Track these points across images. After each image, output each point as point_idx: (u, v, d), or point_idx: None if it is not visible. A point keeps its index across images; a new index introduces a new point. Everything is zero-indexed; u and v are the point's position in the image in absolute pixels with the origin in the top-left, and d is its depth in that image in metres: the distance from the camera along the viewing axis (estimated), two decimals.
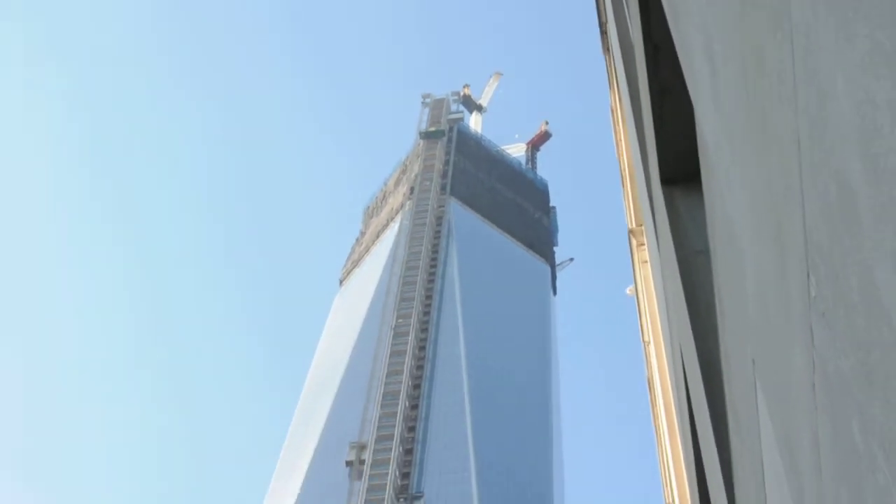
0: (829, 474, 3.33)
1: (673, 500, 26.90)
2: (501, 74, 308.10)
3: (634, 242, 30.47)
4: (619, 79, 23.03)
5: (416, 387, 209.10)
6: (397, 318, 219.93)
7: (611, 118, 33.70)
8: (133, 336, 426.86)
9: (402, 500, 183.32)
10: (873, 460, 2.68)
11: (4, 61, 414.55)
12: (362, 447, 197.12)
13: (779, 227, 3.66)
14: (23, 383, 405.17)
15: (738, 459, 6.78)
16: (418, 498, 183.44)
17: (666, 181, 11.90)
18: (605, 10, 26.55)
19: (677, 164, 11.45)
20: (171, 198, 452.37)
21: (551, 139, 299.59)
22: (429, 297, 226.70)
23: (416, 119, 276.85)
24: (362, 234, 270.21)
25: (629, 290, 34.94)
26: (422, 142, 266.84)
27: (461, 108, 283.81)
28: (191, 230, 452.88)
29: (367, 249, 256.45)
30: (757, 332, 4.67)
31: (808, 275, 3.25)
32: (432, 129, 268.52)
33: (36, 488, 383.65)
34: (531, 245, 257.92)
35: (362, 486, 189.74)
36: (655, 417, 31.25)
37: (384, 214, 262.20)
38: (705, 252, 9.79)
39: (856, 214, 2.64)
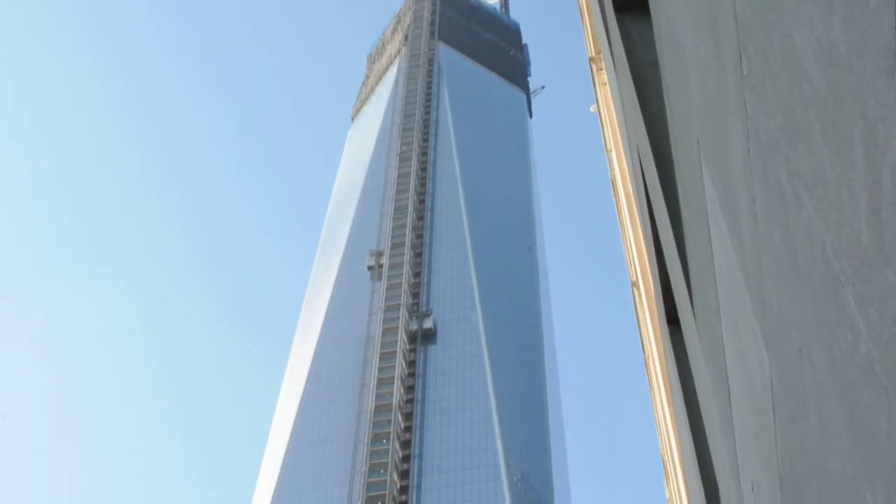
0: (764, 222, 3.36)
1: (636, 277, 27.19)
2: None
3: (595, 68, 30.14)
4: None
5: (421, 201, 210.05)
6: (401, 145, 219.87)
7: None
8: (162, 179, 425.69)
9: (414, 318, 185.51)
10: (799, 200, 2.70)
11: None
12: (380, 254, 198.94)
13: (713, 21, 3.63)
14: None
15: (688, 229, 6.83)
16: (427, 316, 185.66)
17: (618, 9, 11.72)
18: None
19: None
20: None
21: None
22: (426, 125, 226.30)
23: None
24: (367, 77, 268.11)
25: (592, 108, 34.73)
26: None
27: None
28: (218, 89, 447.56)
29: (372, 90, 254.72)
30: (699, 116, 4.66)
31: (741, 56, 3.23)
32: None
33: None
34: (508, 77, 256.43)
35: (382, 285, 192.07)
36: (619, 210, 31.40)
37: (384, 59, 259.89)
38: (654, 63, 9.69)
39: None
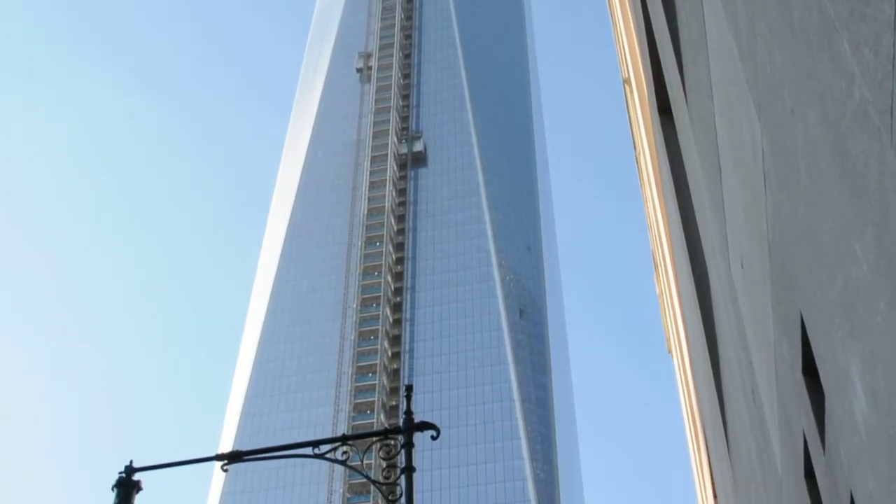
0: None
1: (628, 74, 27.01)
2: None
3: None
4: None
5: (409, 0, 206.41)
6: None
7: None
8: None
9: (403, 140, 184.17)
10: None
11: None
12: (368, 55, 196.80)
13: None
14: None
15: (681, 8, 6.72)
16: (417, 138, 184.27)
17: None
18: None
19: None
20: None
21: None
22: None
23: None
24: None
25: None
26: None
27: None
28: None
29: None
30: None
31: None
32: None
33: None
34: None
35: (372, 87, 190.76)
36: (611, 5, 30.94)
37: None
38: None
39: None
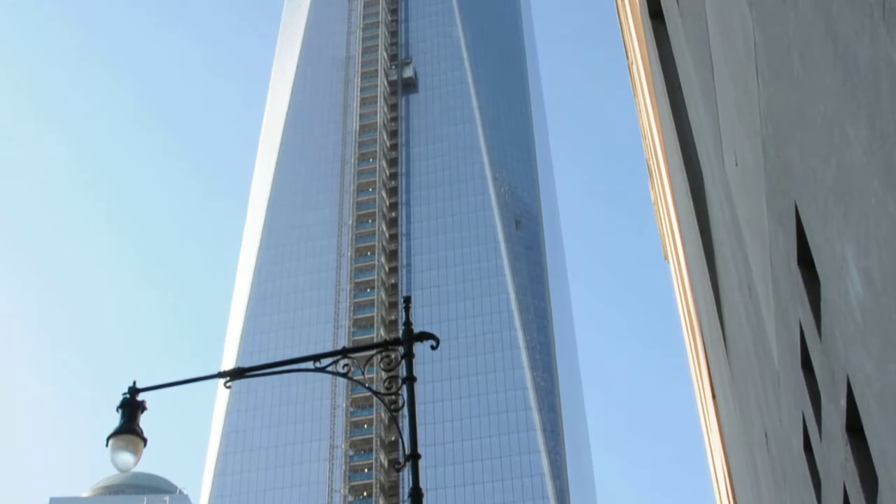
0: None
1: (624, 12, 26.70)
2: None
3: None
4: None
5: None
6: None
7: None
8: None
9: (393, 66, 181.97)
10: None
11: None
12: None
13: None
14: None
15: None
16: (407, 64, 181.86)
17: None
18: None
19: None
20: None
21: None
22: None
23: None
24: None
25: None
26: None
27: None
28: None
29: None
30: None
31: None
32: None
33: None
34: None
35: (360, 3, 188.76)
36: None
37: None
38: None
39: None
